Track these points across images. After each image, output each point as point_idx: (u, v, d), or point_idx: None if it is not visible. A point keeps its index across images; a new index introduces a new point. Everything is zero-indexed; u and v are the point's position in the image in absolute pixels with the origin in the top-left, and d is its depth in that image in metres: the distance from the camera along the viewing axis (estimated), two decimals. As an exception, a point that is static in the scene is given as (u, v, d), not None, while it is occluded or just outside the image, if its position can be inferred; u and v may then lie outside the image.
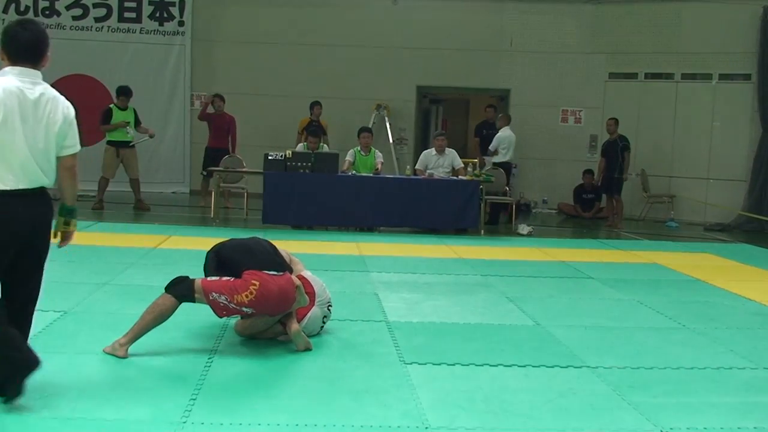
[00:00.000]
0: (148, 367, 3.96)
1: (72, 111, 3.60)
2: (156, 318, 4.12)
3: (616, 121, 11.72)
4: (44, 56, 3.56)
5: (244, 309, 4.19)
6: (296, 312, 4.47)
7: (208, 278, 4.27)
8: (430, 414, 3.48)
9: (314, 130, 10.47)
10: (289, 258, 4.75)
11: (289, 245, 4.96)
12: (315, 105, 12.21)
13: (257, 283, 4.16)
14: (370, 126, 12.68)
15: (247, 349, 4.37)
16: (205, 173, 11.90)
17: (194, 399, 3.52)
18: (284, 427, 3.27)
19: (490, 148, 11.81)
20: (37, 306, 4.99)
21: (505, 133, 11.85)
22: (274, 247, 4.58)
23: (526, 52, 13.43)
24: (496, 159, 11.60)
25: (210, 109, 12.16)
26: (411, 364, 4.22)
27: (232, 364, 4.08)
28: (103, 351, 4.10)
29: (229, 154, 11.72)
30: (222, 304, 4.14)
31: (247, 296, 4.13)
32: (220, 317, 4.28)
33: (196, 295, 4.15)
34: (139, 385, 3.71)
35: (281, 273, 4.32)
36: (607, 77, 13.37)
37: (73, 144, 3.60)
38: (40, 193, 3.49)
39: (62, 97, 3.60)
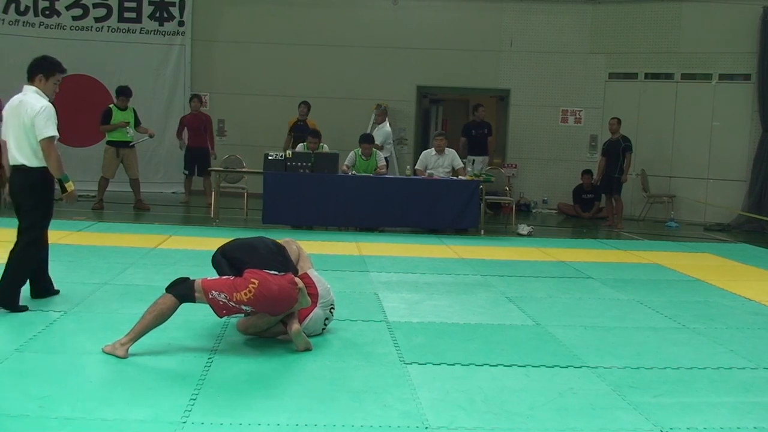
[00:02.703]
0: (148, 367, 3.96)
1: (34, 109, 4.93)
2: (157, 318, 4.13)
3: (619, 120, 11.72)
4: (32, 77, 5.13)
5: (244, 307, 4.19)
6: (298, 312, 4.47)
7: (209, 277, 4.28)
8: (430, 414, 3.48)
9: (314, 131, 10.48)
10: (298, 253, 4.76)
11: (289, 245, 4.95)
12: (301, 104, 12.31)
13: (256, 281, 4.16)
14: (370, 126, 12.71)
15: (247, 349, 4.37)
16: (186, 172, 12.09)
17: (194, 399, 3.52)
18: (284, 427, 3.27)
19: (378, 143, 11.47)
20: (38, 306, 5.05)
21: (388, 129, 11.97)
22: (279, 246, 4.58)
23: (526, 52, 13.44)
24: (384, 154, 11.17)
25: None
26: (411, 364, 4.22)
27: (232, 364, 4.08)
28: (103, 350, 4.11)
29: (210, 153, 11.93)
30: (222, 303, 4.14)
31: (246, 294, 4.14)
32: (221, 317, 4.28)
33: (196, 295, 4.16)
34: (139, 385, 3.71)
35: (283, 273, 4.32)
36: (607, 77, 13.37)
37: (38, 132, 4.92)
38: (19, 168, 5.01)
39: (30, 100, 5.01)
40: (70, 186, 5.09)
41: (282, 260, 4.43)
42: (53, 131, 4.94)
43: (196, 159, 11.84)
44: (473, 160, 12.04)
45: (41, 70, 5.11)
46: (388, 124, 12.19)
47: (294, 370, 4.07)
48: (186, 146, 12.11)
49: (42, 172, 5.00)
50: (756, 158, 12.29)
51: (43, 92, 5.09)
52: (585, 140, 13.52)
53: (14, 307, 4.90)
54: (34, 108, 4.93)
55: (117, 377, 3.82)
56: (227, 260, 4.43)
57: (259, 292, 4.16)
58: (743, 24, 12.36)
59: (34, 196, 5.02)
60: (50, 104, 5.04)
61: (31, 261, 5.09)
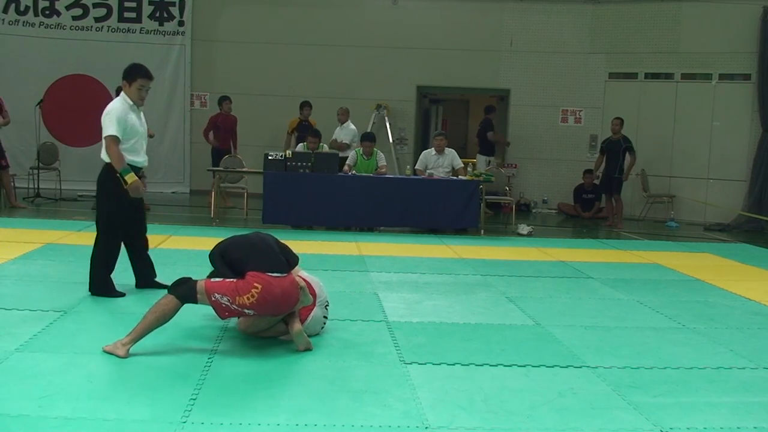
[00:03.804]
0: (148, 367, 3.96)
1: (106, 110, 5.46)
2: (158, 319, 4.13)
3: (622, 121, 11.74)
4: (123, 83, 5.58)
5: (246, 311, 4.19)
6: (299, 312, 4.47)
7: (211, 279, 4.27)
8: (430, 414, 3.48)
9: (315, 130, 10.48)
10: None
11: (289, 245, 4.94)
12: (305, 105, 12.31)
13: (259, 286, 4.15)
14: (370, 126, 12.73)
15: (247, 349, 4.37)
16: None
17: (194, 399, 3.52)
18: (284, 427, 3.27)
19: (346, 142, 11.54)
20: (38, 306, 5.05)
21: (353, 127, 11.86)
22: (277, 241, 4.57)
23: (526, 52, 13.45)
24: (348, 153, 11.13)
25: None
26: (411, 364, 4.22)
27: (232, 364, 4.07)
28: (103, 350, 4.10)
29: (232, 153, 11.79)
30: (224, 305, 4.14)
31: (248, 299, 4.13)
32: (223, 318, 4.29)
33: (198, 296, 4.16)
34: (139, 385, 3.71)
35: (285, 274, 4.31)
36: (607, 77, 13.38)
37: (103, 130, 5.43)
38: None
39: (110, 103, 5.55)
40: (131, 178, 5.37)
41: (283, 259, 4.42)
42: (113, 131, 5.37)
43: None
44: (489, 161, 12.20)
45: (124, 76, 5.54)
46: (351, 123, 12.01)
47: (294, 370, 4.07)
48: (213, 148, 12.04)
49: (109, 166, 5.47)
50: (756, 158, 12.30)
51: (129, 97, 5.51)
52: (585, 140, 13.53)
53: (108, 293, 5.44)
54: (107, 109, 5.48)
55: (117, 377, 3.82)
56: (227, 263, 4.40)
57: (262, 297, 4.15)
58: (743, 24, 12.36)
59: (99, 188, 5.57)
60: (121, 107, 5.45)
61: (101, 252, 5.49)
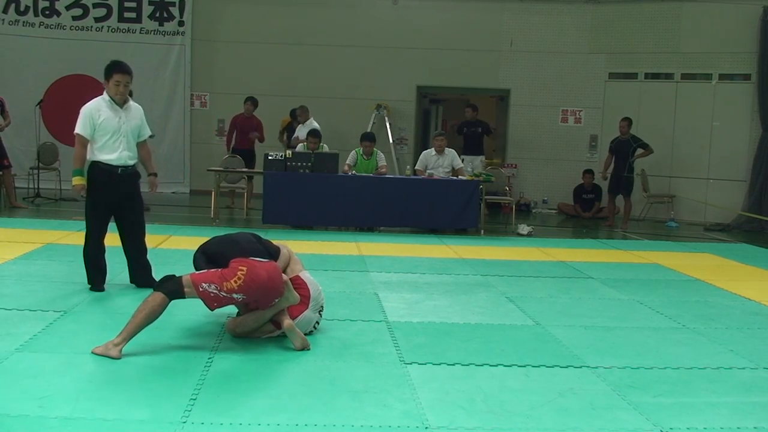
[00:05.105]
0: (147, 366, 3.96)
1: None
2: (148, 317, 4.13)
3: (630, 121, 11.71)
4: (104, 81, 5.63)
5: (235, 296, 4.20)
6: (288, 309, 4.47)
7: (196, 272, 4.29)
8: (430, 414, 3.48)
9: (314, 130, 10.47)
10: (289, 256, 4.76)
11: (289, 245, 4.96)
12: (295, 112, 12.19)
13: (245, 268, 4.20)
14: (370, 126, 12.72)
15: (246, 349, 4.36)
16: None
17: (194, 399, 3.52)
18: (284, 427, 3.27)
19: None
20: (38, 306, 5.04)
21: (316, 125, 11.51)
22: (258, 236, 4.66)
23: (526, 52, 13.45)
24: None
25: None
26: (411, 364, 4.22)
27: (232, 364, 4.07)
28: (93, 352, 4.07)
29: (254, 155, 11.69)
30: (213, 295, 4.15)
31: (236, 282, 4.15)
32: (212, 309, 4.29)
33: (185, 290, 4.16)
34: (139, 385, 3.71)
35: (267, 260, 4.37)
36: (607, 77, 13.38)
37: None
38: None
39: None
40: (76, 180, 5.51)
41: (263, 249, 4.47)
42: (78, 129, 5.50)
43: (241, 160, 11.64)
44: (468, 161, 12.04)
45: (104, 74, 5.60)
46: (314, 121, 11.69)
47: (294, 370, 4.07)
48: (232, 147, 12.01)
49: (90, 166, 5.57)
50: (756, 158, 12.30)
51: (108, 93, 5.59)
52: (585, 140, 13.53)
53: (92, 286, 5.61)
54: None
55: (117, 377, 3.82)
56: (207, 257, 4.46)
57: (249, 278, 4.18)
58: (743, 24, 12.36)
59: (86, 188, 5.59)
60: (93, 104, 5.57)
61: (85, 249, 5.63)
